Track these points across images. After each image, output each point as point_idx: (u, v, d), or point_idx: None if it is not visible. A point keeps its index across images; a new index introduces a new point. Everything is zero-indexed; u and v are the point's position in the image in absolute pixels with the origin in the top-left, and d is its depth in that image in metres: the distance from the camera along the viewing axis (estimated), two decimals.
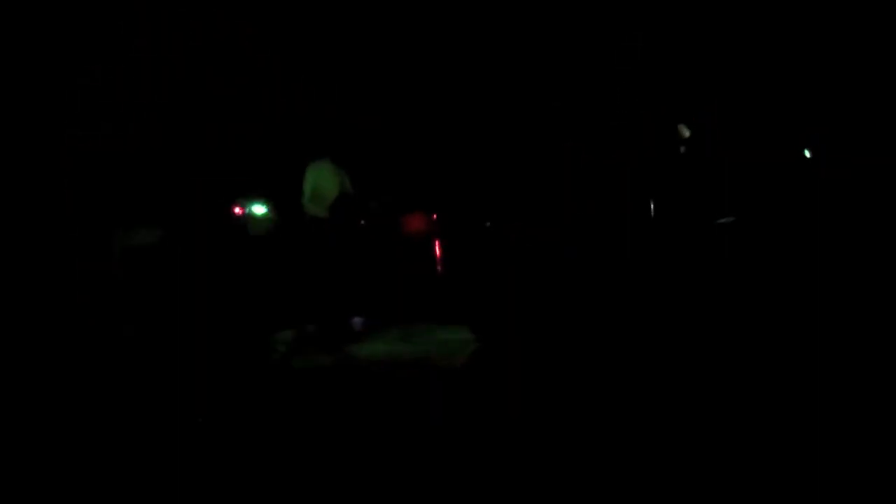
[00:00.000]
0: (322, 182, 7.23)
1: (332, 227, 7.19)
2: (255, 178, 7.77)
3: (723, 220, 5.43)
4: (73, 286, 6.18)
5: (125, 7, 6.84)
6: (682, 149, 6.08)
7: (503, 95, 8.03)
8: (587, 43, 7.64)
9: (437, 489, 3.15)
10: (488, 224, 7.46)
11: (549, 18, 7.68)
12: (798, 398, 3.80)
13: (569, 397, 4.24)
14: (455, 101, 8.13)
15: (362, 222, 7.49)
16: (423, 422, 4.08)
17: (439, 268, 7.76)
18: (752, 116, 5.95)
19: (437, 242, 7.87)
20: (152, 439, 3.81)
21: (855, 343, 4.42)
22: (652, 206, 6.76)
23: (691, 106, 6.20)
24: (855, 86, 4.98)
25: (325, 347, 6.61)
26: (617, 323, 5.86)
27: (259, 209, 7.62)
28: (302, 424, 4.14)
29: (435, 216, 8.21)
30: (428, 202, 8.16)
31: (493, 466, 3.32)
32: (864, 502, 2.73)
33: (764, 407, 3.74)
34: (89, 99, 6.63)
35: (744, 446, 3.28)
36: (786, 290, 5.05)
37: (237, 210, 7.59)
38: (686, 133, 6.07)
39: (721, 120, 6.02)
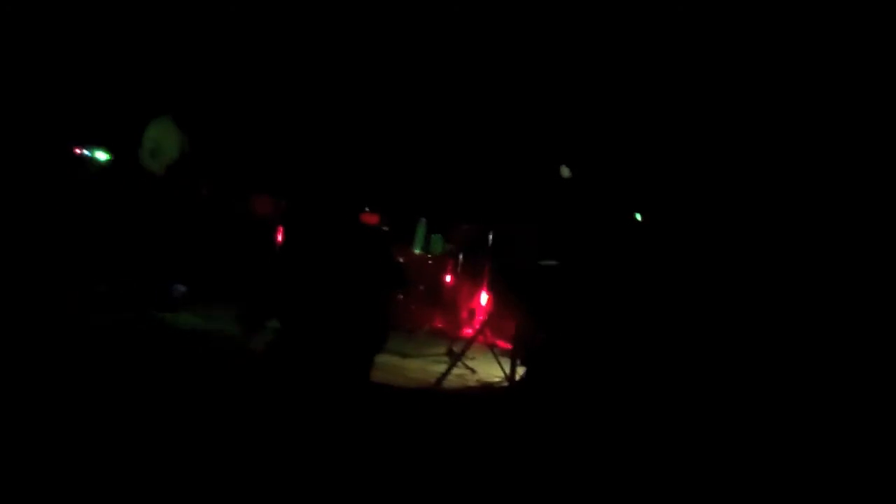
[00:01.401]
0: (163, 139, 6.95)
1: (167, 187, 6.93)
2: (98, 123, 7.41)
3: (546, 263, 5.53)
4: None
5: None
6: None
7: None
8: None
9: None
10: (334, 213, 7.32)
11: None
12: None
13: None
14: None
15: (203, 192, 7.24)
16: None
17: (277, 252, 7.58)
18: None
19: (280, 228, 7.69)
20: None
21: None
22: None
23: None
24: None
25: (133, 307, 6.37)
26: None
27: (101, 154, 7.25)
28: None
29: (284, 202, 8.03)
30: (282, 188, 7.98)
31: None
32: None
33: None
34: None
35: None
36: None
37: (76, 150, 7.20)
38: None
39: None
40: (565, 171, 6.08)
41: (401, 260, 7.26)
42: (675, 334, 4.52)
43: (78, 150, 7.30)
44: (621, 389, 4.42)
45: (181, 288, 7.14)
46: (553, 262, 5.87)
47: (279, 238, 7.56)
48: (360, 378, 4.85)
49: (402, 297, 7.20)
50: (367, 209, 7.42)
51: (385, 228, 7.36)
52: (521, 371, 5.43)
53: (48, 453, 2.97)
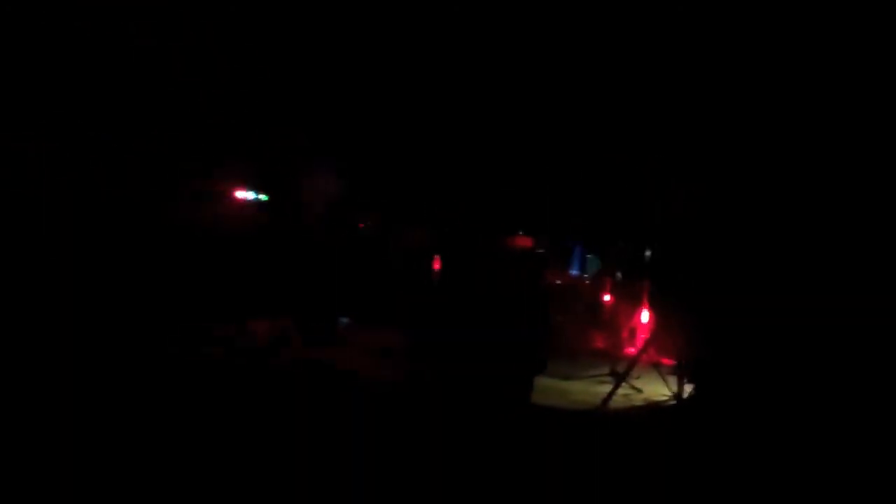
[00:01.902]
0: (325, 179, 7.28)
1: (327, 226, 7.24)
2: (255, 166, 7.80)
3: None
4: None
5: None
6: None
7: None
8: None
9: None
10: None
11: None
12: None
13: None
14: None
15: (361, 225, 7.50)
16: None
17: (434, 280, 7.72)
18: None
19: (436, 257, 7.84)
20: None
21: None
22: None
23: None
24: None
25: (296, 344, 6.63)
26: None
27: (261, 196, 7.66)
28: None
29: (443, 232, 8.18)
30: (430, 216, 8.14)
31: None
32: None
33: None
34: None
35: None
36: None
37: (237, 195, 7.63)
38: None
39: None
40: None
41: (555, 282, 7.25)
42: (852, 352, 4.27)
43: (241, 195, 7.71)
44: (793, 404, 4.21)
45: (345, 321, 7.40)
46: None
47: (436, 266, 7.70)
48: (521, 398, 4.88)
49: (560, 318, 7.16)
50: (520, 233, 7.45)
51: (540, 251, 7.37)
52: (688, 388, 5.28)
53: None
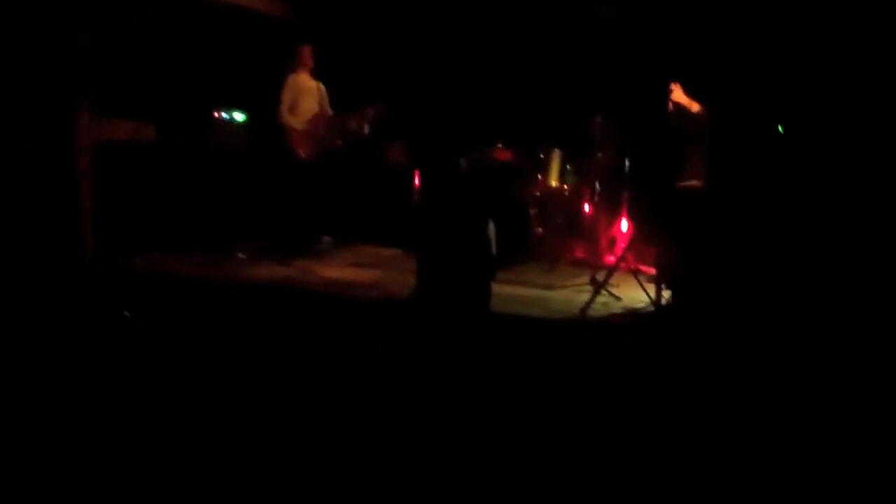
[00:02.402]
0: (302, 95, 7.19)
1: (309, 142, 7.17)
2: (233, 83, 7.69)
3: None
4: None
5: None
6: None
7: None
8: None
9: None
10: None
11: None
12: None
13: None
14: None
15: (339, 142, 7.44)
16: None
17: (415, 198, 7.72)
18: None
19: (415, 173, 7.82)
20: None
21: None
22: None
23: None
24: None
25: (283, 261, 6.69)
26: None
27: (238, 115, 7.54)
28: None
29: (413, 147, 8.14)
30: (408, 133, 8.09)
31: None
32: None
33: None
34: None
35: None
36: None
37: (215, 114, 7.51)
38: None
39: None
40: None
41: (534, 193, 7.26)
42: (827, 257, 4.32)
43: (217, 114, 7.60)
44: (770, 313, 4.29)
45: (328, 239, 7.43)
46: (693, 183, 5.73)
47: (416, 182, 7.69)
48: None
49: (540, 228, 7.20)
50: (499, 145, 7.42)
51: (516, 163, 7.37)
52: (666, 295, 5.36)
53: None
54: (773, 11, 4.76)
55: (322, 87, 7.35)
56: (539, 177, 7.32)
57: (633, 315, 5.45)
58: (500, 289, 5.42)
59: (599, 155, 7.21)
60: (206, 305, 4.90)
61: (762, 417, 3.30)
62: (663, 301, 5.35)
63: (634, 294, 5.76)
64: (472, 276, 4.98)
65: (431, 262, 5.09)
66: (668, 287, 5.38)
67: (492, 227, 5.18)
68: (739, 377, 3.81)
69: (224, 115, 7.50)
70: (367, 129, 7.31)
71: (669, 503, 2.64)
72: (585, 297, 5.55)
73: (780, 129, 5.29)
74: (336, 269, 6.56)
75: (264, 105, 7.25)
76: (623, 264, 5.91)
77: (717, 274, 4.71)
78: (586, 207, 7.29)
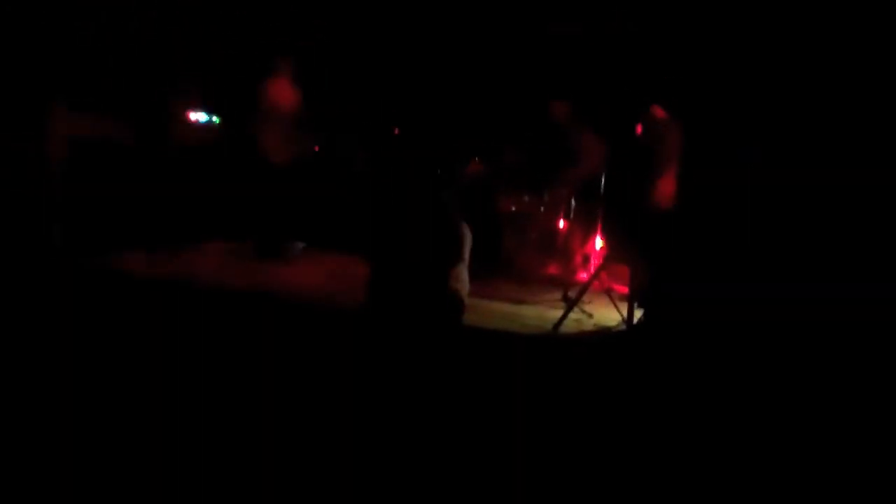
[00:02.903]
0: (279, 99, 7.12)
1: (284, 145, 7.11)
2: (209, 88, 7.63)
3: None
4: None
5: None
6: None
7: None
8: None
9: None
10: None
11: None
12: None
13: None
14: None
15: (316, 149, 7.39)
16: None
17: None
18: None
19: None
20: None
21: None
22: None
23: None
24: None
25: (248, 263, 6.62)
26: None
27: (213, 118, 7.49)
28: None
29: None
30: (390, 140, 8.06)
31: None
32: None
33: None
34: None
35: None
36: None
37: (190, 116, 7.45)
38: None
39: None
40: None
41: (509, 208, 7.25)
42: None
43: (191, 116, 7.54)
44: (740, 330, 4.31)
45: (299, 245, 7.36)
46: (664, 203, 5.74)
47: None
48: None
49: (513, 245, 7.19)
50: (476, 159, 7.42)
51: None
52: (639, 314, 5.37)
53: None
54: (748, 34, 4.80)
55: (299, 94, 7.29)
56: (514, 192, 7.32)
57: (604, 333, 5.44)
58: (472, 302, 5.38)
59: (571, 171, 7.22)
60: (151, 307, 4.78)
61: (731, 434, 3.30)
62: (635, 320, 5.35)
63: (607, 312, 5.76)
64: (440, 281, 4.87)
65: (385, 270, 4.98)
66: (640, 306, 5.39)
67: (467, 232, 5.08)
68: (710, 395, 3.80)
69: (200, 116, 7.44)
70: None
71: None
72: (557, 312, 5.53)
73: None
74: (301, 275, 6.48)
75: (240, 110, 7.19)
76: (596, 282, 5.90)
77: (687, 293, 4.73)
78: (560, 224, 7.29)
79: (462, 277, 4.89)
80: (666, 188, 5.55)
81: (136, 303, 4.88)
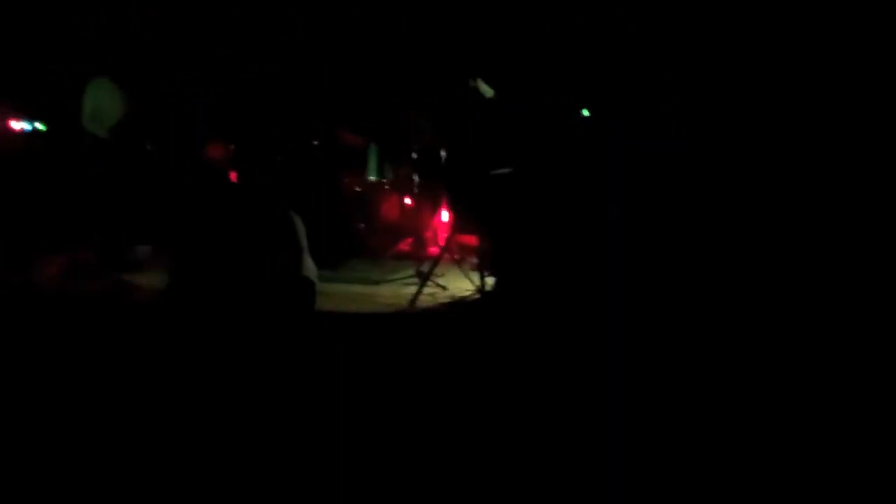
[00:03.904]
0: (103, 101, 6.82)
1: (113, 148, 6.83)
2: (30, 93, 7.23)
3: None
4: None
5: None
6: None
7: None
8: None
9: None
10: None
11: None
12: None
13: None
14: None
15: (148, 147, 7.14)
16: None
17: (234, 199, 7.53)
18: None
19: (232, 174, 7.65)
20: None
21: None
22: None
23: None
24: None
25: (99, 274, 6.33)
26: None
27: (38, 125, 7.10)
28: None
29: (232, 147, 7.95)
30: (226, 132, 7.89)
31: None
32: None
33: None
34: None
35: None
36: None
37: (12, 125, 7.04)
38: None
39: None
40: (486, 89, 6.04)
41: (354, 188, 7.27)
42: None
43: (15, 124, 7.15)
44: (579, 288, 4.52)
45: (144, 248, 7.11)
46: (504, 171, 5.93)
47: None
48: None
49: (362, 224, 7.23)
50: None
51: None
52: (490, 281, 5.53)
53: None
54: None
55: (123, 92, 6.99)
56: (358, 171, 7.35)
57: (459, 303, 5.57)
58: (325, 287, 5.38)
59: (415, 147, 7.32)
60: None
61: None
62: (486, 287, 5.52)
63: (459, 283, 5.91)
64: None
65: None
66: (490, 273, 5.56)
67: (298, 221, 5.02)
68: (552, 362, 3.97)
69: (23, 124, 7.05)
70: None
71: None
72: (412, 289, 5.63)
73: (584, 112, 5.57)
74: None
75: (66, 112, 6.85)
76: (447, 255, 6.03)
77: (531, 256, 4.92)
78: (407, 200, 7.38)
79: (307, 265, 4.87)
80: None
81: None
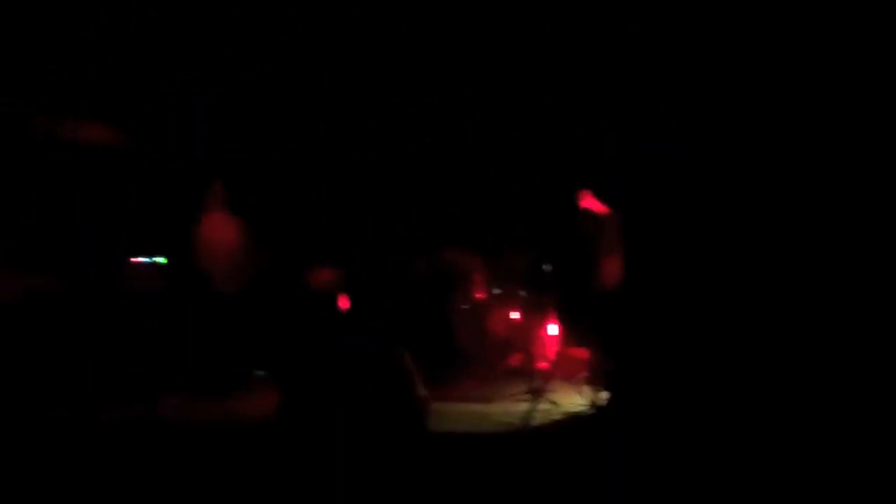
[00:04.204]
0: (215, 234, 7.13)
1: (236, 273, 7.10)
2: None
3: None
4: None
5: None
6: None
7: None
8: None
9: None
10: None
11: None
12: None
13: None
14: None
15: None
16: None
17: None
18: None
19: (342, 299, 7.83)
20: None
21: None
22: None
23: None
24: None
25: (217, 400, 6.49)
26: None
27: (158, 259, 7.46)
28: None
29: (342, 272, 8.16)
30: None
31: None
32: None
33: None
34: None
35: None
36: None
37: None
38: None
39: None
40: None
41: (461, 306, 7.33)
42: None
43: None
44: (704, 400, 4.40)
45: (259, 373, 7.25)
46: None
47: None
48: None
49: (469, 342, 7.24)
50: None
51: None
52: (603, 396, 5.43)
53: None
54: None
55: (240, 221, 7.31)
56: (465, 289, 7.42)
57: (573, 418, 5.47)
58: (436, 406, 5.37)
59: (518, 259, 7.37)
60: None
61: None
62: (599, 402, 5.42)
63: (572, 399, 5.81)
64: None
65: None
66: (603, 388, 5.47)
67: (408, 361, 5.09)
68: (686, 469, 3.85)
69: (143, 260, 7.40)
70: None
71: None
72: (524, 406, 5.57)
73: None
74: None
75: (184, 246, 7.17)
76: (558, 370, 5.97)
77: (646, 372, 4.82)
78: (515, 314, 7.38)
79: (419, 386, 4.92)
80: (611, 270, 5.71)
81: None
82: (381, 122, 7.95)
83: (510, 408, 5.86)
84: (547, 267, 7.07)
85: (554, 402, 5.81)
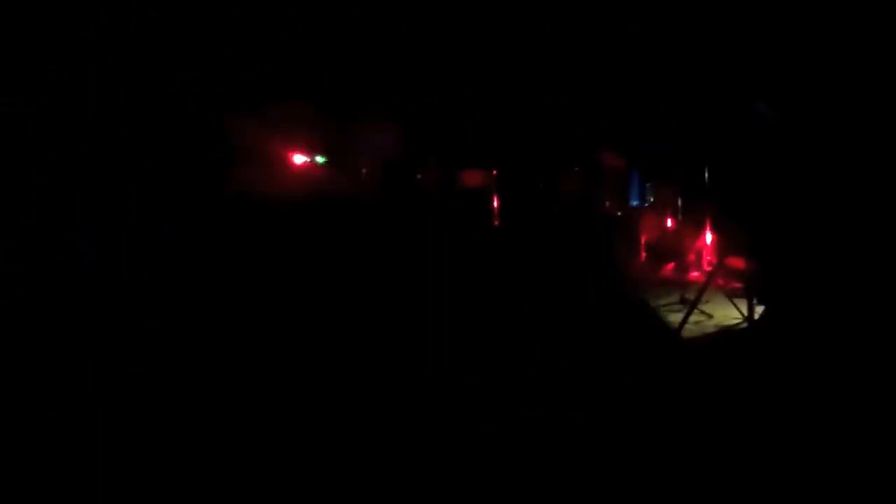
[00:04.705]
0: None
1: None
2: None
3: None
4: None
5: None
6: None
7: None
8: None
9: None
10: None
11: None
12: None
13: None
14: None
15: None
16: None
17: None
18: None
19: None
20: None
21: None
22: None
23: None
24: None
25: None
26: None
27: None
28: None
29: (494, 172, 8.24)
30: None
31: None
32: None
33: None
34: None
35: None
36: None
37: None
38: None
39: None
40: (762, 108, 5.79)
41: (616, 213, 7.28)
42: None
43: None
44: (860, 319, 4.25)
45: None
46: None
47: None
48: None
49: (625, 250, 7.22)
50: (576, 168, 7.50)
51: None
52: (759, 310, 5.31)
53: None
54: None
55: None
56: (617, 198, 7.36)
57: (726, 332, 5.40)
58: None
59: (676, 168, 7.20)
60: None
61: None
62: (755, 316, 5.31)
63: (725, 311, 5.72)
64: None
65: None
66: (759, 302, 5.33)
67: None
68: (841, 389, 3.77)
69: None
70: None
71: None
72: (677, 316, 5.54)
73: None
74: None
75: None
76: (713, 280, 5.87)
77: (810, 286, 4.67)
78: (669, 223, 7.26)
79: None
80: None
81: None
82: None
83: (663, 317, 5.84)
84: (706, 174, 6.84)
85: (707, 314, 5.74)
